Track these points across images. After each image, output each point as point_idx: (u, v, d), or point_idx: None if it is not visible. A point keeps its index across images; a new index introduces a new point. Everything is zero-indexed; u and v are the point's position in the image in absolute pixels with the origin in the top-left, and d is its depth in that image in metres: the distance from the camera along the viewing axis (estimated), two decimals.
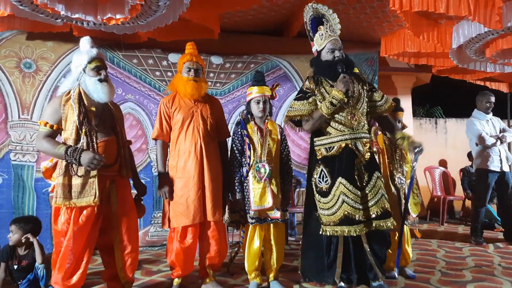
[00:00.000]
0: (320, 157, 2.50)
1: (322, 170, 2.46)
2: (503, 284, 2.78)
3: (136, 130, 4.07)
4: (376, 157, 2.71)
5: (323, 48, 2.54)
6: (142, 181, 3.99)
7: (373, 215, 2.37)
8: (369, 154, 2.46)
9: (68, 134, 2.18)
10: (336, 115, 2.44)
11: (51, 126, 2.18)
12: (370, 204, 2.38)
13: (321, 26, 2.57)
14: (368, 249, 2.38)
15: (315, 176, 2.51)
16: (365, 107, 2.53)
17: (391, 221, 2.41)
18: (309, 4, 2.65)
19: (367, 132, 2.53)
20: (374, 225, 2.37)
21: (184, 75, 2.65)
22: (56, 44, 3.91)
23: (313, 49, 2.68)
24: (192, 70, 2.63)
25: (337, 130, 2.45)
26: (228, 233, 2.72)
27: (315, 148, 2.56)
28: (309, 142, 4.46)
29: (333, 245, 2.44)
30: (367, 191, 2.40)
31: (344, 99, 2.40)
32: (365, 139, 2.49)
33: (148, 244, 3.94)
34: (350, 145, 2.43)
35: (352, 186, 2.36)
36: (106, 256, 2.35)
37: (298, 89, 4.59)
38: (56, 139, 2.23)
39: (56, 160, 2.24)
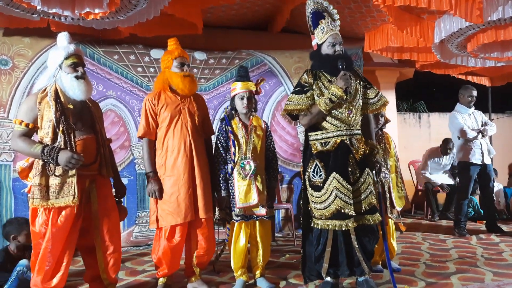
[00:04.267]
0: (315, 151, 2.48)
1: (316, 164, 2.45)
2: (486, 275, 2.83)
3: (118, 127, 3.99)
4: None
5: (324, 41, 2.51)
6: (125, 179, 3.95)
7: (362, 210, 2.40)
8: (363, 150, 2.46)
9: (44, 132, 2.11)
10: (333, 111, 2.43)
11: (27, 125, 2.10)
12: (360, 199, 2.40)
13: (322, 20, 2.53)
14: (357, 245, 2.40)
15: (309, 170, 2.49)
16: (360, 103, 2.52)
17: (377, 216, 2.46)
18: None
19: (359, 128, 2.52)
20: (363, 219, 2.40)
21: (176, 70, 2.59)
22: (33, 40, 3.78)
23: (313, 43, 2.65)
24: (185, 65, 2.60)
25: (333, 125, 2.44)
26: (214, 231, 2.70)
27: (310, 142, 2.54)
28: (296, 137, 4.54)
29: (322, 239, 2.45)
30: (358, 187, 2.41)
31: (344, 96, 2.39)
32: (358, 136, 2.49)
33: (133, 244, 3.87)
34: (346, 141, 2.43)
35: (345, 181, 2.37)
36: (88, 257, 2.30)
37: (284, 84, 4.61)
38: (33, 138, 2.15)
39: (32, 159, 2.16)
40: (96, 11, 2.84)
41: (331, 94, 2.37)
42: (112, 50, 4.02)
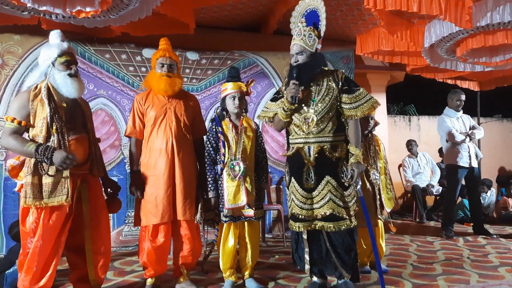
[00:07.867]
0: (285, 155, 2.60)
1: (288, 167, 2.58)
2: (471, 277, 2.87)
3: (109, 126, 3.97)
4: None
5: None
6: (115, 178, 3.93)
7: (318, 217, 2.40)
8: (315, 161, 2.40)
9: (37, 131, 2.08)
10: (293, 118, 2.48)
11: (19, 122, 2.05)
12: (315, 206, 2.41)
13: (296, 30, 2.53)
14: (329, 246, 2.43)
15: (285, 172, 2.64)
16: (329, 109, 2.41)
17: (342, 223, 2.36)
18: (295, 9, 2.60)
19: (329, 135, 2.41)
20: (318, 225, 2.41)
21: (157, 71, 2.61)
22: (23, 37, 3.75)
23: None
24: (165, 65, 2.59)
25: (295, 132, 2.50)
26: (204, 231, 2.69)
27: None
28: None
29: (294, 236, 2.54)
30: (314, 194, 2.42)
31: (291, 107, 2.40)
32: (317, 144, 2.40)
33: (122, 244, 3.86)
34: (300, 149, 2.45)
35: (299, 186, 2.44)
36: (75, 257, 2.27)
37: (276, 86, 4.63)
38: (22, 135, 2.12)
39: (24, 158, 2.11)
40: (88, 9, 2.82)
41: (283, 104, 2.43)
42: (104, 48, 4.00)
